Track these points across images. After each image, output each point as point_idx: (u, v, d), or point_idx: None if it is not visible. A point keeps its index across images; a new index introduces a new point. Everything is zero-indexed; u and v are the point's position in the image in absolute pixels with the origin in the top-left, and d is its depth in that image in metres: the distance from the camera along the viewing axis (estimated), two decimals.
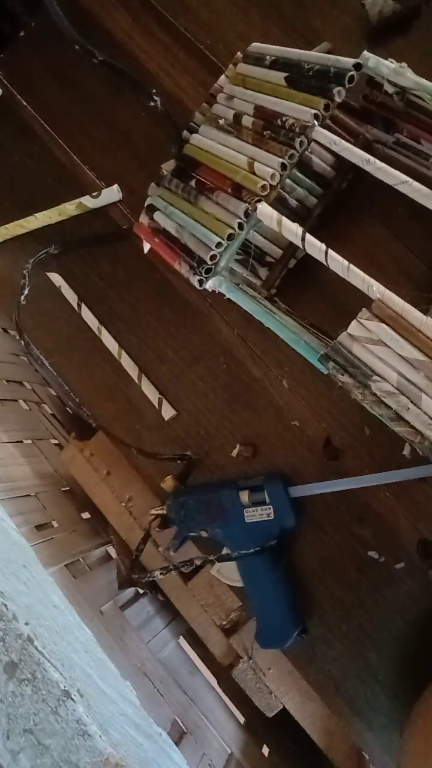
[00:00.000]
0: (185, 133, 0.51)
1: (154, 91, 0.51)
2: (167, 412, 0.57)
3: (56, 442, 0.70)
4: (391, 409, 0.39)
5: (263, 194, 0.44)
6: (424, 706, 0.44)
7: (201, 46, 0.62)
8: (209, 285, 0.47)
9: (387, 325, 0.38)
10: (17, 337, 0.63)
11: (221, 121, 0.49)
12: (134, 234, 0.53)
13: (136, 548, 0.57)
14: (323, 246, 0.40)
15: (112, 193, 0.61)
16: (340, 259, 0.39)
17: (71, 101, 0.65)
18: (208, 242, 0.45)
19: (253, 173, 0.45)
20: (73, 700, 0.34)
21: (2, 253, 0.66)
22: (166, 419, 0.58)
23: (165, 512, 0.55)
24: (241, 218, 0.44)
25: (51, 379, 0.76)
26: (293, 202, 0.51)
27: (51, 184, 0.65)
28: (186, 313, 0.58)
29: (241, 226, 0.45)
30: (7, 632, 0.35)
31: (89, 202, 0.62)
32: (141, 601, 0.64)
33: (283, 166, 0.44)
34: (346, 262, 0.39)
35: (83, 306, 0.62)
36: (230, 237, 0.45)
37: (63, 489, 0.66)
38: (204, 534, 0.53)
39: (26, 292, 0.61)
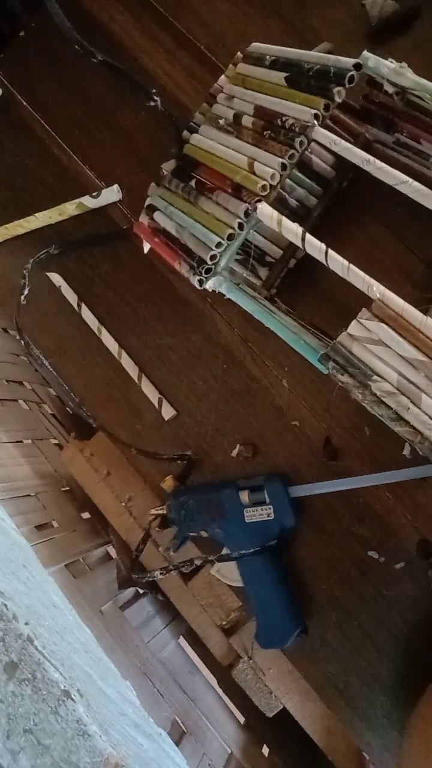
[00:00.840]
0: (185, 133, 0.51)
1: (154, 91, 0.51)
2: (167, 412, 0.57)
3: (56, 442, 0.70)
4: (391, 409, 0.39)
5: (263, 194, 0.44)
6: (423, 708, 0.44)
7: (201, 46, 0.62)
8: (209, 285, 0.47)
9: (387, 325, 0.38)
10: (17, 337, 0.63)
11: (221, 121, 0.49)
12: (134, 234, 0.53)
13: (136, 548, 0.57)
14: (323, 246, 0.40)
15: (112, 193, 0.61)
16: (340, 259, 0.39)
17: (71, 101, 0.65)
18: (208, 242, 0.45)
19: (253, 173, 0.45)
20: (73, 700, 0.34)
21: (2, 253, 0.66)
22: (166, 419, 0.58)
23: (165, 512, 0.55)
24: (241, 218, 0.44)
25: (51, 379, 0.75)
26: (293, 202, 0.51)
27: (51, 184, 0.65)
28: (186, 313, 0.59)
29: (241, 226, 0.45)
30: (7, 632, 0.35)
31: (89, 202, 0.62)
32: (141, 601, 0.64)
33: (283, 166, 0.44)
34: (346, 262, 0.39)
35: (83, 306, 0.62)
36: (230, 237, 0.45)
37: (63, 489, 0.66)
38: (204, 534, 0.53)
39: (26, 292, 0.61)
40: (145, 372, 0.59)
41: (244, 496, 0.51)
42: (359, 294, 0.39)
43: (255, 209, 0.44)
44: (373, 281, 0.38)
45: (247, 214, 0.44)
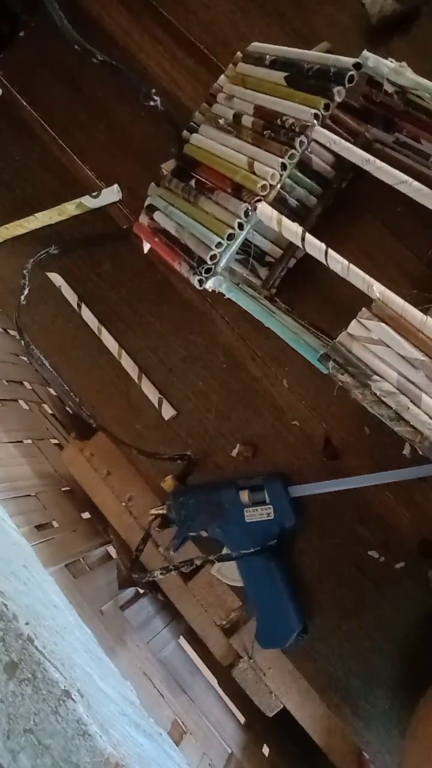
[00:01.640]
0: (185, 132, 0.51)
1: (154, 91, 0.51)
2: (167, 412, 0.57)
3: (56, 442, 0.70)
4: (391, 408, 0.39)
5: (263, 194, 0.44)
6: (424, 709, 0.44)
7: (201, 46, 0.62)
8: (209, 285, 0.47)
9: (387, 324, 0.38)
10: (17, 337, 0.63)
11: (221, 121, 0.49)
12: (134, 234, 0.53)
13: (136, 548, 0.57)
14: (323, 246, 0.40)
15: (112, 193, 0.61)
16: (340, 258, 0.39)
17: (71, 101, 0.65)
18: (208, 242, 0.45)
19: (253, 173, 0.45)
20: (73, 700, 0.34)
21: (2, 253, 0.66)
22: (166, 419, 0.58)
23: (165, 512, 0.55)
24: (241, 218, 0.44)
25: (51, 379, 0.75)
26: (293, 202, 0.51)
27: (51, 184, 0.65)
28: (186, 313, 0.58)
29: (241, 226, 0.45)
30: (7, 632, 0.35)
31: (89, 202, 0.62)
32: (141, 601, 0.64)
33: (283, 166, 0.44)
34: (346, 262, 0.39)
35: (83, 306, 0.62)
36: (230, 237, 0.45)
37: (63, 489, 0.66)
38: (204, 534, 0.53)
39: (26, 292, 0.61)
40: (145, 372, 0.59)
41: (244, 496, 0.51)
42: (359, 294, 0.39)
43: (255, 209, 0.43)
44: (373, 281, 0.38)
45: (247, 213, 0.44)
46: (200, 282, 0.46)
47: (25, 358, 0.73)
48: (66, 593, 0.51)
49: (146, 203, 0.51)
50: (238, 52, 0.51)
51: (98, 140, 0.64)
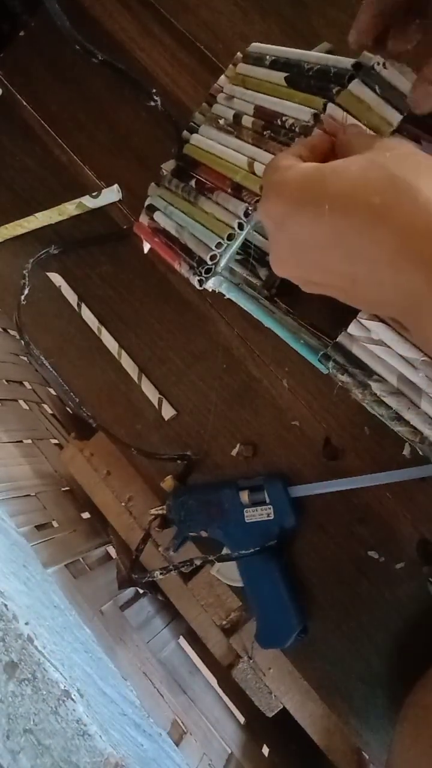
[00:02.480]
0: (185, 133, 0.51)
1: (154, 90, 0.51)
2: (167, 412, 0.57)
3: (56, 442, 0.70)
4: (391, 408, 0.39)
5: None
6: (415, 695, 0.45)
7: (201, 46, 0.62)
8: (209, 285, 0.47)
9: (387, 324, 0.39)
10: (17, 336, 0.63)
11: (221, 121, 0.49)
12: (134, 234, 0.53)
13: (136, 548, 0.57)
14: None
15: (112, 193, 0.61)
16: None
17: (71, 101, 0.65)
18: (208, 242, 0.45)
19: (253, 173, 0.45)
20: (73, 700, 0.34)
21: (2, 253, 0.66)
22: (166, 419, 0.58)
23: (165, 512, 0.55)
24: (241, 218, 0.44)
25: (51, 379, 0.75)
26: None
27: (51, 184, 0.65)
28: (186, 313, 0.59)
29: (241, 226, 0.45)
30: (7, 632, 0.35)
31: (89, 202, 0.62)
32: (141, 601, 0.64)
33: None
34: None
35: (83, 306, 0.62)
36: (230, 237, 0.45)
37: (63, 489, 0.66)
38: (204, 534, 0.53)
39: (26, 292, 0.61)
40: (145, 372, 0.59)
41: (244, 496, 0.51)
42: None
43: (255, 209, 0.44)
44: None
45: (247, 213, 0.44)
46: (200, 282, 0.47)
47: (25, 358, 0.73)
48: (66, 593, 0.51)
49: (146, 203, 0.52)
50: (238, 52, 0.51)
51: (98, 140, 0.64)
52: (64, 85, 0.66)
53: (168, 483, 0.56)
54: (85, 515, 0.66)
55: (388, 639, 0.50)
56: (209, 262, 0.45)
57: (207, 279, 0.47)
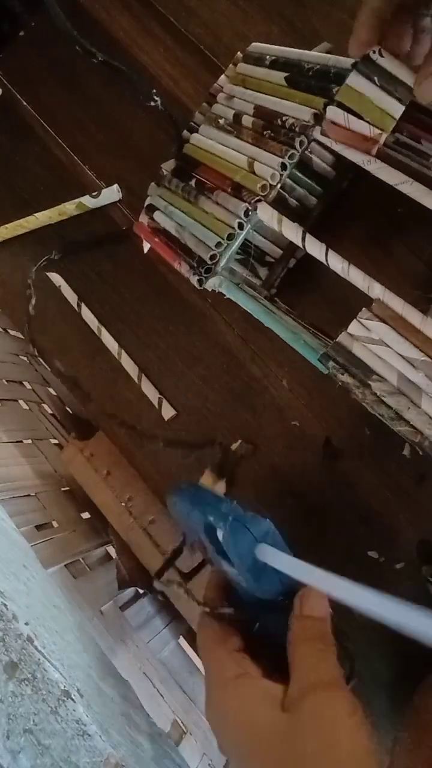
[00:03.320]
0: (185, 132, 0.51)
1: (154, 90, 0.51)
2: (167, 412, 0.57)
3: (56, 442, 0.70)
4: (391, 408, 0.39)
5: (263, 194, 0.44)
6: (417, 699, 0.45)
7: (201, 46, 0.62)
8: (209, 285, 0.47)
9: (387, 324, 0.39)
10: (31, 349, 0.62)
11: (221, 121, 0.49)
12: (134, 234, 0.53)
13: (172, 552, 0.46)
14: (323, 246, 0.40)
15: (112, 193, 0.61)
16: (341, 258, 0.39)
17: (71, 101, 0.65)
18: (208, 242, 0.45)
19: (253, 173, 0.45)
20: (73, 700, 0.34)
21: (2, 253, 0.66)
22: (166, 419, 0.58)
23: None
24: (241, 218, 0.44)
25: (51, 379, 0.76)
26: (293, 202, 0.51)
27: (51, 184, 0.65)
28: (186, 313, 0.59)
29: (241, 226, 0.45)
30: (7, 632, 0.35)
31: (89, 202, 0.62)
32: (141, 601, 0.64)
33: (284, 166, 0.44)
34: (346, 262, 0.39)
35: (83, 306, 0.62)
36: (230, 237, 0.45)
37: (63, 489, 0.66)
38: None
39: (33, 302, 0.61)
40: (145, 372, 0.59)
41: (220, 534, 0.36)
42: (359, 294, 0.39)
43: (255, 209, 0.44)
44: (373, 281, 0.38)
45: (247, 213, 0.44)
46: (200, 282, 0.46)
47: (25, 358, 0.73)
48: (66, 593, 0.51)
49: (146, 203, 0.52)
50: (238, 52, 0.51)
51: (98, 140, 0.64)
52: (64, 85, 0.66)
53: (207, 478, 0.47)
54: (85, 515, 0.66)
55: (388, 639, 0.50)
56: (209, 262, 0.45)
57: (207, 279, 0.47)
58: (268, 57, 0.48)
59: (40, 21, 0.68)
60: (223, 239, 0.45)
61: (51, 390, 0.75)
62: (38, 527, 0.57)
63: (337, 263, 0.39)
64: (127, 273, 0.61)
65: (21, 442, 0.64)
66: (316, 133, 0.43)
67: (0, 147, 0.67)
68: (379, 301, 0.38)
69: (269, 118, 0.46)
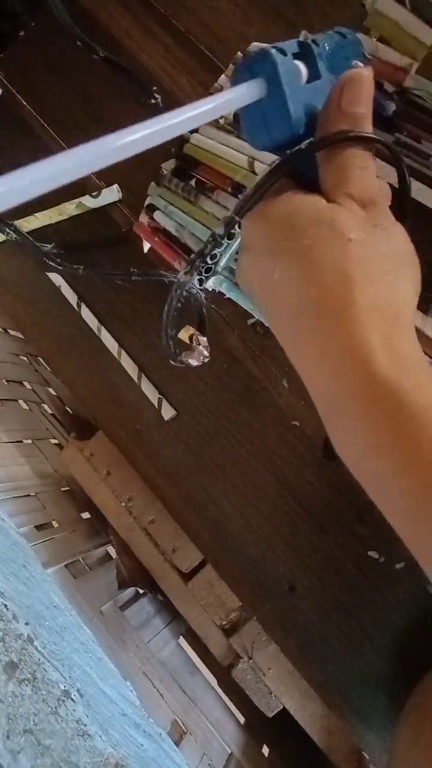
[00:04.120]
0: (185, 132, 0.51)
1: (155, 88, 0.51)
2: (167, 412, 0.57)
3: (56, 442, 0.70)
4: None
5: None
6: (417, 696, 0.45)
7: (201, 46, 0.62)
8: (209, 284, 0.47)
9: None
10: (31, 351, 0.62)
11: (221, 121, 0.49)
12: (134, 235, 0.53)
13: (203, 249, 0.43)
14: None
15: (112, 193, 0.61)
16: None
17: (71, 101, 0.65)
18: None
19: (254, 172, 0.45)
20: (73, 700, 0.34)
21: (2, 253, 0.66)
22: (166, 419, 0.58)
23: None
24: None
25: (51, 379, 0.76)
26: None
27: None
28: (186, 312, 0.58)
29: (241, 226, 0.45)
30: (7, 632, 0.35)
31: (89, 201, 0.62)
32: (141, 601, 0.64)
33: None
34: None
35: (83, 306, 0.62)
36: (230, 236, 0.45)
37: (63, 489, 0.66)
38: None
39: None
40: (145, 372, 0.59)
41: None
42: None
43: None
44: None
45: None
46: (200, 281, 0.46)
47: (25, 358, 0.73)
48: (66, 593, 0.51)
49: (146, 203, 0.52)
50: (238, 52, 0.51)
51: None
52: (64, 85, 0.66)
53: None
54: (85, 515, 0.66)
55: (388, 639, 0.50)
56: (209, 262, 0.45)
57: (207, 278, 0.46)
58: None
59: (40, 21, 0.68)
60: (224, 239, 0.45)
61: (51, 390, 0.75)
62: (38, 527, 0.57)
63: None
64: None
65: (21, 442, 0.64)
66: None
67: (0, 147, 0.67)
68: None
69: None
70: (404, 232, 0.29)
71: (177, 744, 0.52)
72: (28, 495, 0.59)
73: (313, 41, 0.30)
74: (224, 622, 0.56)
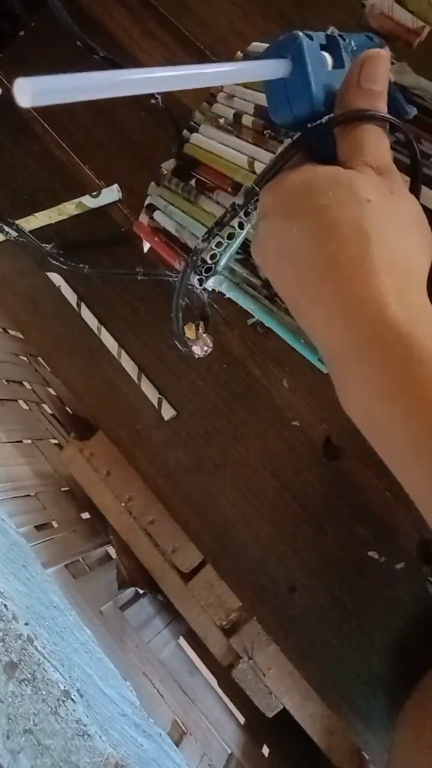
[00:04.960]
0: (185, 132, 0.51)
1: None
2: (167, 412, 0.57)
3: (56, 442, 0.70)
4: None
5: None
6: (416, 696, 0.45)
7: (201, 46, 0.62)
8: (209, 284, 0.47)
9: None
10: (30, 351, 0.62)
11: (221, 120, 0.49)
12: (134, 234, 0.53)
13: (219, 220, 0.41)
14: None
15: (112, 193, 0.61)
16: None
17: (71, 101, 0.65)
18: None
19: (254, 172, 0.45)
20: (73, 700, 0.34)
21: (2, 253, 0.66)
22: (166, 419, 0.58)
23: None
24: (241, 217, 0.44)
25: (51, 379, 0.76)
26: None
27: (51, 184, 0.65)
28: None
29: (241, 225, 0.45)
30: (7, 632, 0.35)
31: (89, 201, 0.62)
32: (141, 601, 0.64)
33: None
34: None
35: (83, 306, 0.62)
36: (230, 236, 0.45)
37: (63, 489, 0.66)
38: None
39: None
40: (145, 372, 0.59)
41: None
42: None
43: (255, 208, 0.43)
44: None
45: (247, 213, 0.44)
46: (200, 281, 0.46)
47: (25, 358, 0.73)
48: (66, 593, 0.51)
49: (146, 203, 0.51)
50: (238, 52, 0.51)
51: (98, 140, 0.64)
52: None
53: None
54: (85, 515, 0.66)
55: (388, 639, 0.50)
56: (209, 262, 0.45)
57: (207, 278, 0.46)
58: None
59: (40, 21, 0.68)
60: (224, 238, 0.45)
61: (51, 390, 0.75)
62: (38, 527, 0.57)
63: None
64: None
65: (21, 442, 0.64)
66: None
67: (0, 147, 0.67)
68: None
69: (269, 117, 0.46)
70: (417, 202, 0.31)
71: (177, 744, 0.52)
72: (28, 495, 0.59)
73: (341, 35, 0.33)
74: (224, 623, 0.56)
